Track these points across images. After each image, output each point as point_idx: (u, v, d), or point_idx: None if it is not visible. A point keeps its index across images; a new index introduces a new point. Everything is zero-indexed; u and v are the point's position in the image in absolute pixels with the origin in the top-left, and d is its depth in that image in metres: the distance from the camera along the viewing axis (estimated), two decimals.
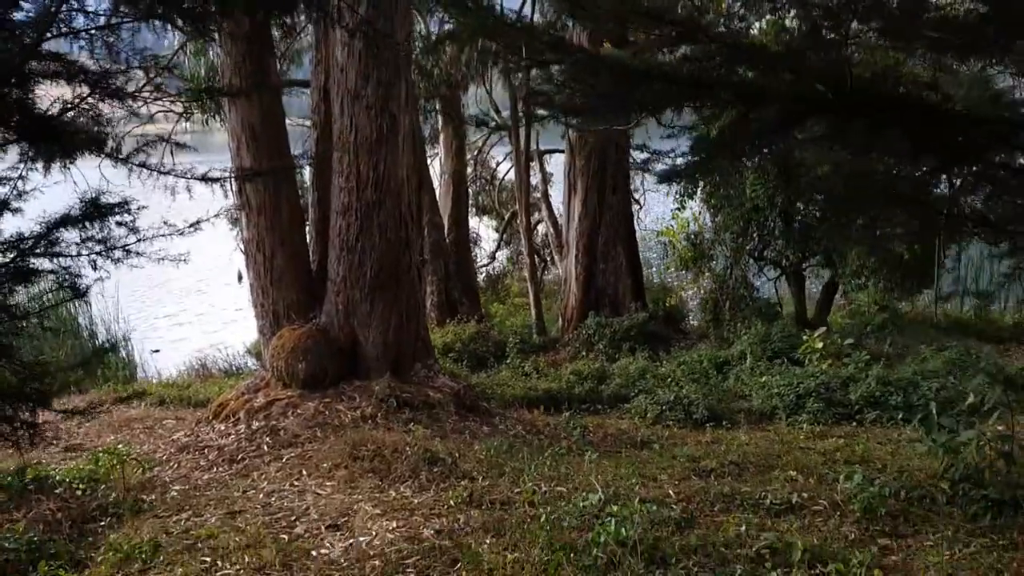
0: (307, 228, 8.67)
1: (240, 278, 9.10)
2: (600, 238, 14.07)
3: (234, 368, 15.24)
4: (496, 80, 19.74)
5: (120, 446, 8.25)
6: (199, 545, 5.24)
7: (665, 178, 10.02)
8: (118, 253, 5.34)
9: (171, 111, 13.68)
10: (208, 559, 5.02)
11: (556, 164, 21.87)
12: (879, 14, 4.63)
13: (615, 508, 5.11)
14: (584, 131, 10.60)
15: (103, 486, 6.49)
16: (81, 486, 6.35)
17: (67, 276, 5.37)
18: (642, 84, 4.57)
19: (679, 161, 13.77)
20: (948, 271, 14.09)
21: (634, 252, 14.39)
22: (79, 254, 5.31)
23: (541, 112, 13.83)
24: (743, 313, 13.84)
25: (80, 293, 5.47)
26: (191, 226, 5.80)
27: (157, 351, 19.41)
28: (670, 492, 5.65)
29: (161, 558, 5.05)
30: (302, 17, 13.07)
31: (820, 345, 9.81)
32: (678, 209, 14.60)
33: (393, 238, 7.95)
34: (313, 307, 8.30)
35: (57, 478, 6.42)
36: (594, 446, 7.59)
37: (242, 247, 8.46)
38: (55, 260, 5.30)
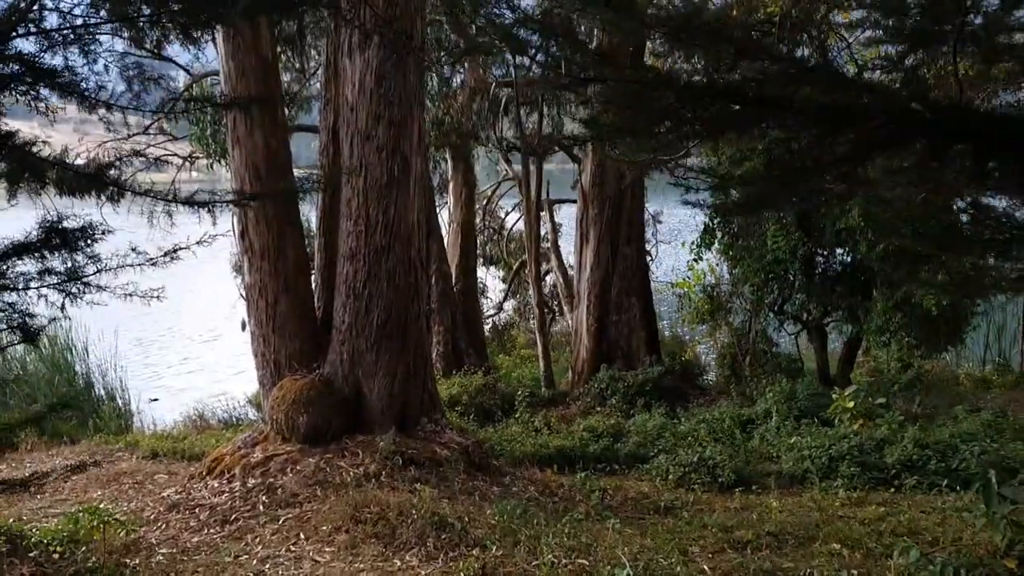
0: (312, 275, 8.26)
1: (244, 326, 8.66)
2: (613, 289, 13.66)
3: (234, 419, 14.74)
4: (507, 129, 19.58)
5: (102, 504, 7.79)
6: None
7: (722, 211, 9.56)
8: (75, 287, 4.74)
9: (173, 155, 13.43)
10: None
11: (566, 215, 21.62)
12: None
13: None
14: (626, 161, 10.09)
15: (83, 548, 5.98)
16: (59, 548, 5.83)
17: (15, 315, 4.76)
18: (705, 102, 4.17)
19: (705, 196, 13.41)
20: (973, 328, 13.60)
21: (648, 303, 13.96)
22: (27, 287, 4.71)
23: (584, 135, 13.44)
24: (764, 369, 13.36)
25: (31, 336, 4.86)
26: (167, 255, 5.32)
27: (155, 400, 18.92)
28: (705, 568, 5.14)
29: None
30: (312, 52, 12.82)
31: (851, 404, 9.30)
32: (695, 260, 14.19)
33: (402, 285, 7.53)
34: (317, 357, 7.85)
35: (33, 539, 5.91)
36: (614, 511, 7.07)
37: (243, 293, 8.05)
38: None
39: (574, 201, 20.58)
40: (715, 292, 15.05)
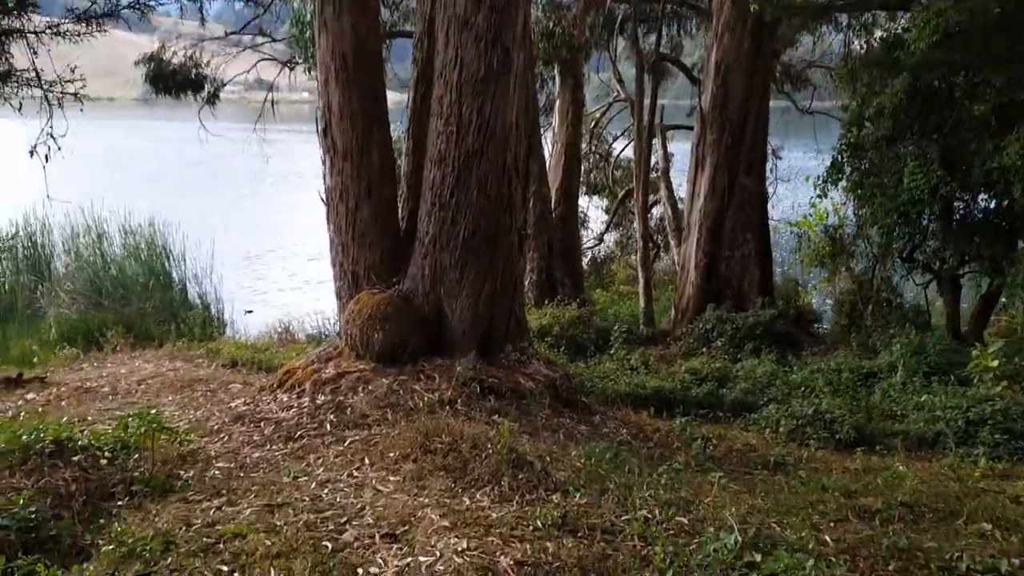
0: (399, 183, 7.56)
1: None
2: (727, 223, 12.58)
3: (321, 335, 14.45)
4: (621, 50, 18.39)
5: (171, 410, 7.43)
6: (220, 546, 4.17)
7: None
8: None
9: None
10: (225, 568, 3.95)
11: (677, 149, 20.35)
12: None
13: (758, 557, 3.80)
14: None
15: (135, 456, 5.54)
16: (107, 454, 5.39)
17: None
18: None
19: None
20: None
21: (765, 241, 12.83)
22: None
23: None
24: (887, 320, 12.13)
25: None
26: None
27: (250, 312, 18.93)
28: (827, 539, 4.27)
29: (169, 560, 4.01)
30: None
31: (995, 363, 8.11)
32: (819, 196, 12.91)
33: (493, 195, 6.74)
34: (398, 270, 7.19)
35: (81, 442, 5.49)
36: (718, 463, 6.24)
37: (323, 197, 7.41)
38: None
39: (688, 127, 19.36)
40: (838, 234, 13.76)
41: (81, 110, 10.18)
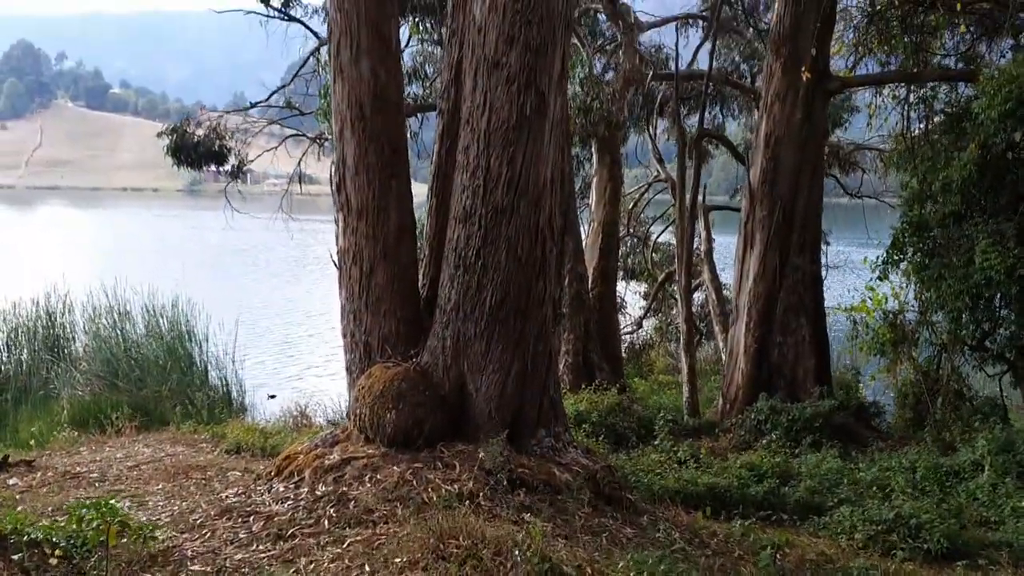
0: (420, 246, 6.78)
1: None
2: (779, 305, 11.61)
3: (341, 419, 13.57)
4: (664, 130, 17.86)
5: (156, 500, 6.55)
6: None
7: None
8: None
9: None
10: None
11: (718, 232, 19.57)
12: None
13: None
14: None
15: (96, 555, 4.63)
16: (58, 552, 4.49)
17: None
18: None
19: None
20: None
21: (821, 326, 11.82)
22: None
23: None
24: (959, 414, 10.97)
25: None
26: None
27: (273, 396, 18.19)
28: None
29: None
30: None
31: None
32: (879, 278, 11.94)
33: (525, 257, 5.91)
34: (416, 342, 6.33)
35: (31, 536, 4.59)
36: None
37: (335, 259, 6.64)
38: None
39: (730, 209, 18.62)
40: (898, 320, 12.72)
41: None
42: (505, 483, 5.47)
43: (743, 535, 6.12)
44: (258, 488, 6.11)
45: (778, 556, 5.62)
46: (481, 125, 5.87)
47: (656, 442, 9.63)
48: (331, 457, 5.97)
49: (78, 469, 8.40)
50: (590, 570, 4.35)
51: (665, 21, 18.79)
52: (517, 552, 4.28)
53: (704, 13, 18.46)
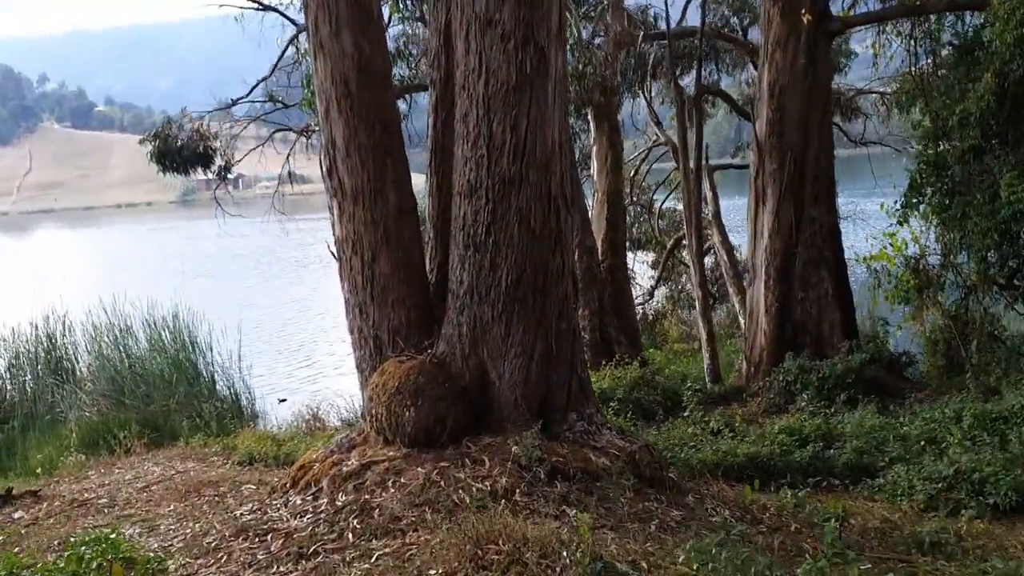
0: (424, 226, 6.33)
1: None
2: (798, 260, 11.15)
3: (356, 418, 13.16)
4: (658, 93, 17.34)
5: (168, 523, 6.14)
6: None
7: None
8: None
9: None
10: None
11: (722, 193, 19.07)
12: None
13: None
14: None
15: None
16: None
17: None
18: None
19: None
20: None
21: (843, 278, 11.37)
22: None
23: None
24: (995, 356, 10.55)
25: None
26: None
27: (284, 400, 17.84)
28: None
29: None
30: None
31: None
32: (899, 223, 11.48)
33: (539, 229, 5.46)
34: (430, 332, 5.89)
35: None
36: (858, 549, 4.75)
37: (334, 251, 6.19)
38: None
39: (735, 167, 18.15)
40: (921, 265, 12.26)
41: None
42: (541, 475, 5.04)
43: (796, 506, 5.71)
44: (274, 503, 5.69)
45: (839, 527, 5.19)
46: (479, 90, 5.40)
47: (686, 414, 9.21)
48: (349, 463, 5.55)
49: (86, 496, 8.02)
50: (646, 564, 3.94)
51: None
52: (565, 552, 3.86)
53: None
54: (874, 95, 17.73)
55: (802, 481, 6.71)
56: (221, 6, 11.84)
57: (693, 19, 17.31)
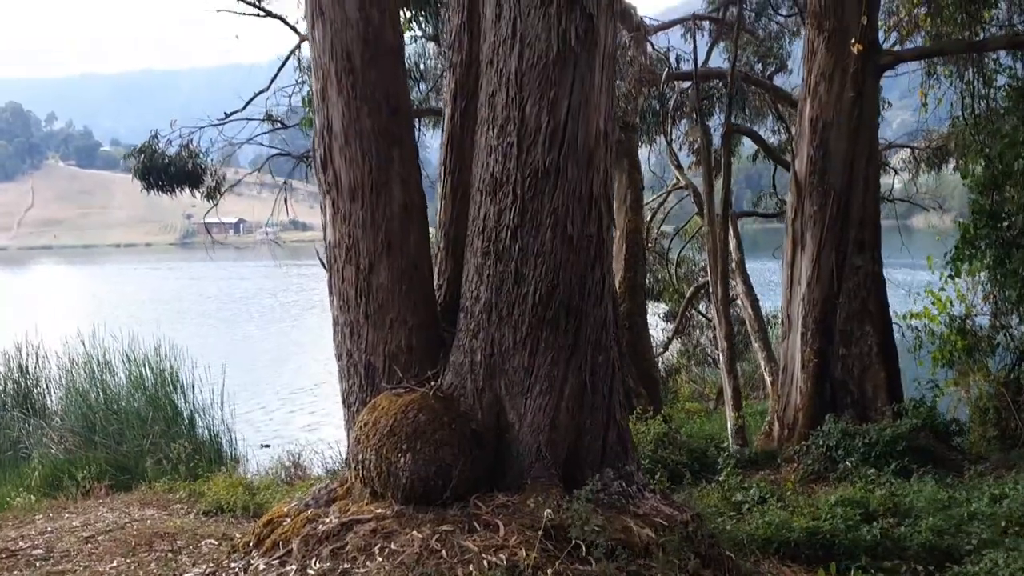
0: (433, 234, 5.30)
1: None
2: (839, 312, 10.08)
3: (337, 467, 11.98)
4: (681, 136, 16.51)
5: None
6: None
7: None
8: None
9: None
10: None
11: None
12: None
13: None
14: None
15: None
16: None
17: None
18: None
19: None
20: None
21: (888, 334, 10.27)
22: None
23: None
24: None
25: None
26: None
27: (267, 446, 16.70)
28: None
29: None
30: None
31: None
32: (951, 277, 10.49)
33: (576, 235, 4.42)
34: (435, 359, 4.81)
35: None
36: None
37: (323, 258, 5.14)
38: None
39: (758, 214, 17.24)
40: (969, 325, 11.25)
41: None
42: (569, 547, 3.91)
43: None
44: (232, 565, 4.55)
45: None
46: (510, 65, 4.40)
47: (721, 477, 8.04)
48: (327, 520, 4.41)
49: (21, 544, 6.87)
50: None
51: (672, 23, 17.64)
52: None
53: (712, 14, 17.30)
54: (904, 150, 16.90)
55: (872, 564, 5.57)
56: (218, 11, 11.03)
57: (715, 63, 16.64)
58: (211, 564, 4.87)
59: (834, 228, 10.11)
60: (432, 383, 4.65)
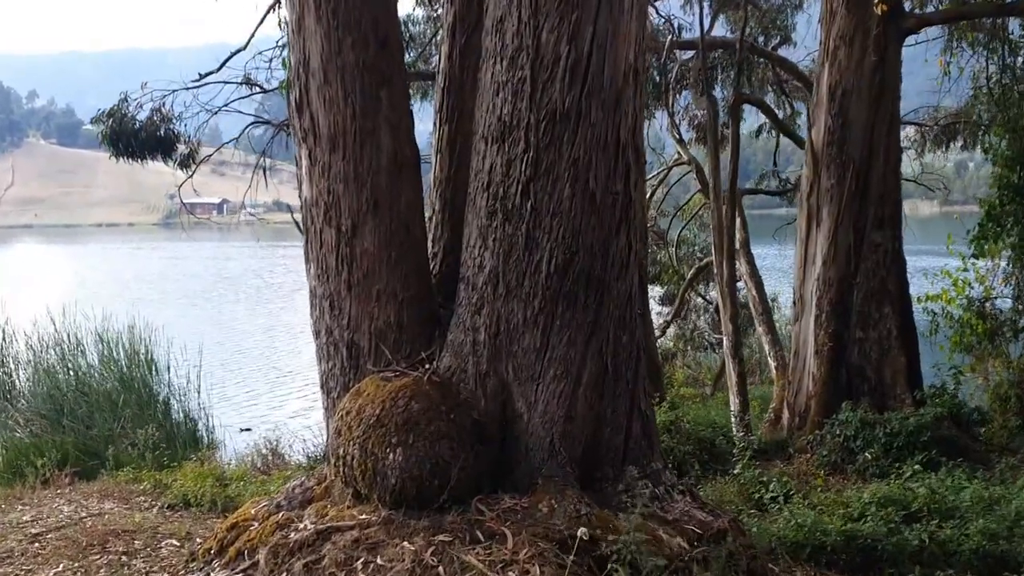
0: (428, 194, 4.58)
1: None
2: (857, 293, 9.43)
3: (321, 454, 11.26)
4: (683, 108, 15.79)
5: None
6: None
7: None
8: None
9: None
10: None
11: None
12: None
13: None
14: None
15: None
16: None
17: None
18: None
19: None
20: None
21: (908, 316, 9.63)
22: None
23: None
24: None
25: None
26: None
27: (247, 430, 15.95)
28: None
29: None
30: None
31: None
32: (974, 256, 9.87)
33: (600, 191, 3.72)
34: (429, 338, 4.11)
35: None
36: None
37: (298, 220, 4.41)
38: None
39: (762, 191, 16.57)
40: (989, 308, 10.66)
41: None
42: (591, 562, 3.24)
43: None
44: None
45: None
46: None
47: (736, 471, 7.39)
48: (301, 526, 3.72)
49: None
50: None
51: None
52: None
53: None
54: (910, 128, 16.24)
55: (922, 572, 4.93)
56: None
57: (718, 33, 15.95)
58: (166, 574, 4.16)
59: (852, 203, 9.45)
60: (427, 366, 3.94)
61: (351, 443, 3.76)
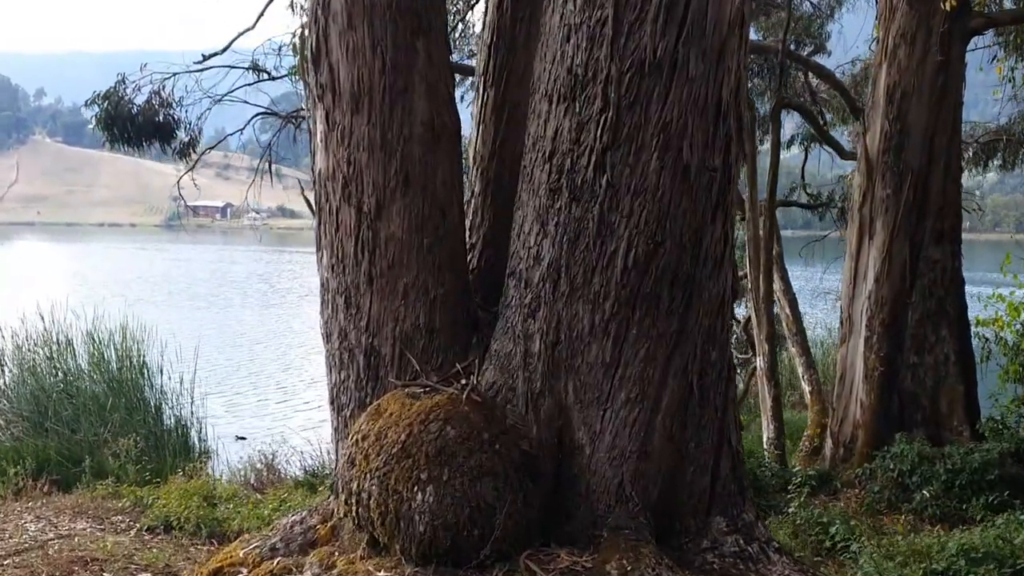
0: (467, 169, 3.80)
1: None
2: (911, 313, 8.63)
3: (323, 468, 10.45)
4: None
5: None
6: None
7: None
8: None
9: None
10: None
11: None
12: None
13: None
14: None
15: None
16: None
17: None
18: None
19: None
20: None
21: (966, 339, 8.83)
22: None
23: None
24: None
25: None
26: None
27: (243, 439, 15.18)
28: None
29: None
30: None
31: None
32: None
33: (695, 168, 2.94)
34: (466, 346, 3.31)
35: None
36: None
37: (310, 199, 3.62)
38: None
39: (795, 204, 15.79)
40: None
41: None
42: None
43: None
44: None
45: None
46: None
47: (791, 509, 6.57)
48: None
49: None
50: None
51: None
52: None
53: None
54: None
55: None
56: None
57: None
58: None
59: (909, 215, 8.65)
60: (464, 381, 3.14)
61: (368, 476, 2.95)
